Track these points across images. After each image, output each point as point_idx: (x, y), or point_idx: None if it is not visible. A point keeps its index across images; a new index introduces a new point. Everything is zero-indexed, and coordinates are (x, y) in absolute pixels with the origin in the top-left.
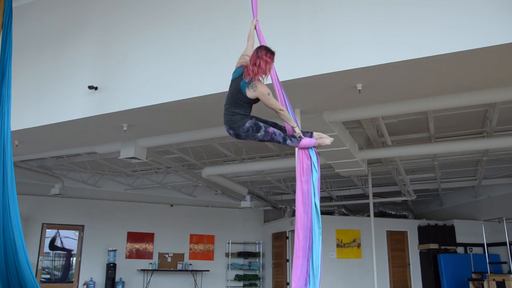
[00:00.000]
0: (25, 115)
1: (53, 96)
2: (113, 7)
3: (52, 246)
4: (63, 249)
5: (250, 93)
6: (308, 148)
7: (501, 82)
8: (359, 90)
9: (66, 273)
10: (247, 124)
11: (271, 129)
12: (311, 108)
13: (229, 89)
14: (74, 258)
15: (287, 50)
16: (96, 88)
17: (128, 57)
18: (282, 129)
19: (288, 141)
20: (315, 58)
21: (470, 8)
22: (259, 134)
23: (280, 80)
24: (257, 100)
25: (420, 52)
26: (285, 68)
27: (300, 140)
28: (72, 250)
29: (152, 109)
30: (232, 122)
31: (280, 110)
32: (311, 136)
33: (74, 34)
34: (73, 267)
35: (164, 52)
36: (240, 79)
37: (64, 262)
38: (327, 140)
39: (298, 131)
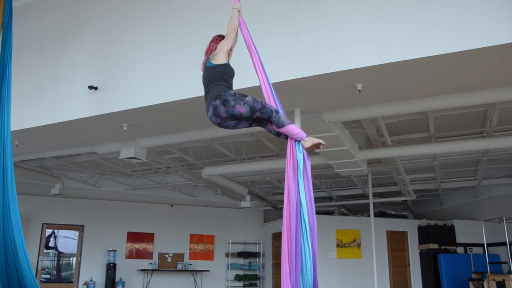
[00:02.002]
0: (25, 115)
1: (53, 96)
2: (113, 7)
3: (46, 246)
4: (55, 249)
5: (216, 59)
6: (296, 140)
7: (501, 82)
8: (359, 90)
9: (58, 274)
10: (232, 91)
11: (259, 100)
12: (311, 108)
13: (204, 80)
14: (68, 259)
15: (287, 50)
16: (96, 88)
17: (128, 57)
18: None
19: (280, 115)
20: (315, 58)
21: (470, 8)
22: (247, 98)
23: (280, 80)
24: (229, 69)
25: (420, 52)
26: (285, 68)
27: (289, 123)
28: (61, 253)
29: (152, 109)
30: (216, 92)
31: (232, 29)
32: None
33: (74, 34)
34: (72, 267)
35: (164, 52)
36: (205, 67)
37: (55, 263)
38: (316, 140)
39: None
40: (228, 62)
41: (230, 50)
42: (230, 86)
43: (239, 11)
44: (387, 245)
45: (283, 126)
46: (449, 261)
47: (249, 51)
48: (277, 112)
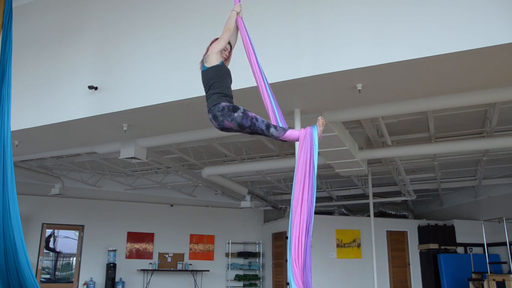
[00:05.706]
0: (25, 115)
1: (53, 96)
2: (113, 7)
3: (47, 246)
4: (54, 251)
5: (209, 61)
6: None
7: (501, 82)
8: (359, 90)
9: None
10: (223, 103)
11: (252, 114)
12: (311, 108)
13: (203, 85)
14: (68, 259)
15: (287, 50)
16: (96, 88)
17: (128, 57)
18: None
19: (272, 129)
20: (315, 58)
21: (470, 8)
22: (236, 114)
23: (281, 80)
24: (222, 70)
25: (420, 52)
26: (285, 68)
27: (285, 131)
28: (60, 253)
29: (152, 109)
30: (209, 104)
31: (226, 29)
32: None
33: (74, 34)
34: (72, 267)
35: (164, 52)
36: (201, 72)
37: (55, 263)
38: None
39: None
40: (222, 62)
41: (228, 50)
42: (225, 88)
43: (238, 13)
44: (387, 245)
45: (279, 137)
46: (449, 261)
47: (247, 54)
48: (268, 128)
